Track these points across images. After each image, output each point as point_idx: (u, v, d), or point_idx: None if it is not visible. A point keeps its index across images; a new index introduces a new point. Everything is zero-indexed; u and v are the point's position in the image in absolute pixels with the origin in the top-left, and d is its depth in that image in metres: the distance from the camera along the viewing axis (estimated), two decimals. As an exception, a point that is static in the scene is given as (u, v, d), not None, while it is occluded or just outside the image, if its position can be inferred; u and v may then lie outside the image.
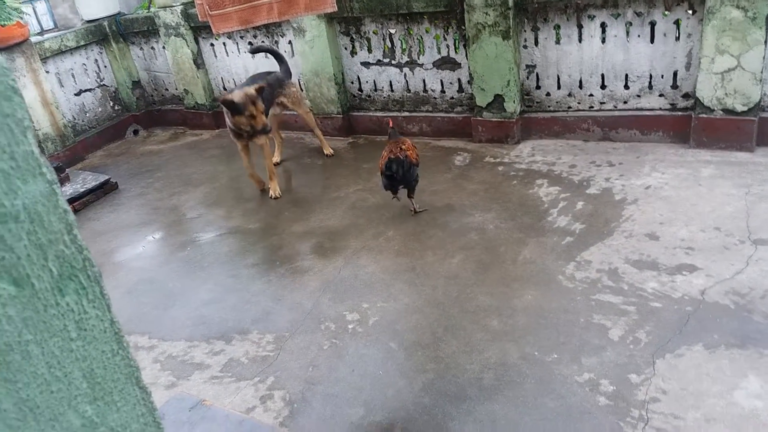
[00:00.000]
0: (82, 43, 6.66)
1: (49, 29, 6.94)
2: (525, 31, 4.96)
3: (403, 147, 4.15)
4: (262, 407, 2.84)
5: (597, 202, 4.05)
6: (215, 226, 4.72)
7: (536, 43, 4.96)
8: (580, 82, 4.91)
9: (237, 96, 4.46)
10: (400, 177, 4.07)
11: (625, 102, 4.79)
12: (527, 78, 5.13)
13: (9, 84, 0.63)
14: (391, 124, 4.49)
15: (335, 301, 3.53)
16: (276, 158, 5.54)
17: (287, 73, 5.48)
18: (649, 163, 4.42)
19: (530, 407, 2.59)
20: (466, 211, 4.26)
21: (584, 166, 4.58)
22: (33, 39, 6.29)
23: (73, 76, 6.66)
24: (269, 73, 5.38)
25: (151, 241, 4.67)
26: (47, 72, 6.24)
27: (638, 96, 4.73)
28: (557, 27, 4.83)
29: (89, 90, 6.85)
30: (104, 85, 7.02)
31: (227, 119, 4.68)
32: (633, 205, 3.93)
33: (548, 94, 5.10)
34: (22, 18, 6.05)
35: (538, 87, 5.12)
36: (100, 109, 6.98)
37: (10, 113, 0.63)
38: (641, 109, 4.74)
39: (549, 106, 5.14)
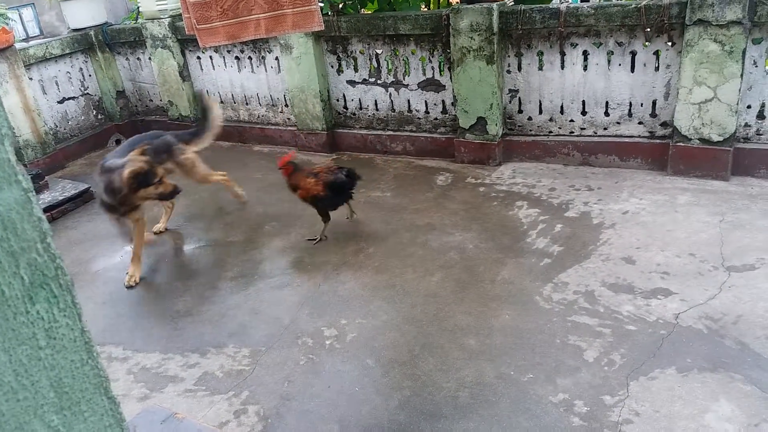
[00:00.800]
0: (67, 51, 6.63)
1: (35, 36, 6.92)
2: (509, 56, 5.04)
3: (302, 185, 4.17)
4: (236, 422, 2.82)
5: (575, 225, 4.11)
6: (195, 238, 4.70)
7: (519, 68, 5.04)
8: (562, 107, 4.99)
9: (138, 167, 3.78)
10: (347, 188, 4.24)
11: (605, 128, 4.88)
12: (510, 102, 5.21)
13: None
14: (292, 155, 4.27)
15: (313, 316, 3.52)
16: (161, 226, 4.83)
17: (186, 135, 4.73)
18: (627, 189, 4.50)
19: (505, 426, 2.60)
20: (446, 231, 4.29)
21: (564, 189, 4.64)
22: (18, 45, 6.26)
23: (56, 83, 6.61)
24: (157, 135, 4.59)
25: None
26: (30, 79, 6.19)
27: (618, 123, 4.82)
28: (540, 53, 4.93)
29: (72, 98, 6.81)
30: (88, 93, 6.99)
31: (101, 195, 3.95)
32: (610, 229, 3.99)
33: (530, 119, 5.17)
34: (7, 24, 6.03)
35: (520, 111, 5.20)
36: (82, 118, 6.93)
37: (-14, 120, 0.64)
38: (620, 136, 4.83)
39: (530, 130, 5.21)
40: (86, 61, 6.92)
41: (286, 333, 3.40)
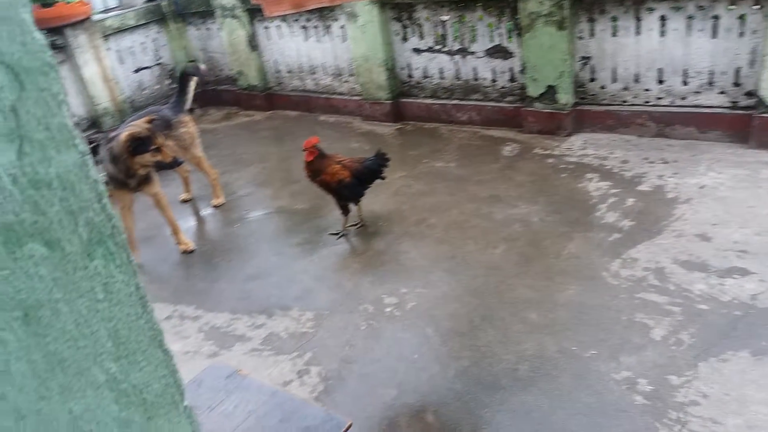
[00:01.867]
0: (142, 21, 6.85)
1: (113, 7, 7.15)
2: (581, 22, 4.83)
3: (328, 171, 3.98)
4: (299, 381, 2.91)
5: (648, 200, 3.94)
6: (263, 205, 4.82)
7: (592, 34, 4.82)
8: (637, 76, 4.75)
9: (136, 131, 3.76)
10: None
11: (683, 98, 4.62)
12: (581, 70, 5.00)
13: (46, 60, 0.66)
14: (315, 142, 4.01)
15: (375, 284, 3.56)
16: (184, 195, 4.94)
17: (177, 107, 4.70)
18: (706, 162, 4.26)
19: (565, 401, 2.57)
20: (511, 203, 4.21)
21: (637, 162, 4.45)
22: (96, 17, 6.52)
23: (132, 53, 6.87)
24: (157, 110, 4.60)
25: (202, 216, 4.80)
26: (108, 49, 6.45)
27: (697, 92, 4.55)
28: (614, 19, 4.69)
29: (147, 68, 7.06)
30: (162, 63, 7.22)
31: (108, 168, 3.88)
32: (685, 205, 3.80)
33: (603, 87, 4.96)
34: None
35: (592, 79, 4.99)
36: (156, 87, 7.18)
37: (46, 87, 0.66)
38: (700, 106, 4.56)
39: (603, 99, 5.00)
40: (159, 32, 7.13)
41: (348, 299, 3.46)
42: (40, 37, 0.66)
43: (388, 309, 3.33)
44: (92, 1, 7.03)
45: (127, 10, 6.83)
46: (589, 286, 3.24)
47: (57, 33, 5.94)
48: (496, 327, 3.06)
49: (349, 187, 3.99)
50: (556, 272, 3.41)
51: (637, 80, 4.79)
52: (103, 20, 6.45)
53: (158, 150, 3.79)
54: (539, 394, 2.62)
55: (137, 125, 3.83)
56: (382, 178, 4.11)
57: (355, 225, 4.22)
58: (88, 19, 6.09)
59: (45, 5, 5.74)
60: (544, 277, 3.38)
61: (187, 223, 4.67)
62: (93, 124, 6.41)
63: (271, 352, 3.14)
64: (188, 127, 4.63)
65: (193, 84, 4.85)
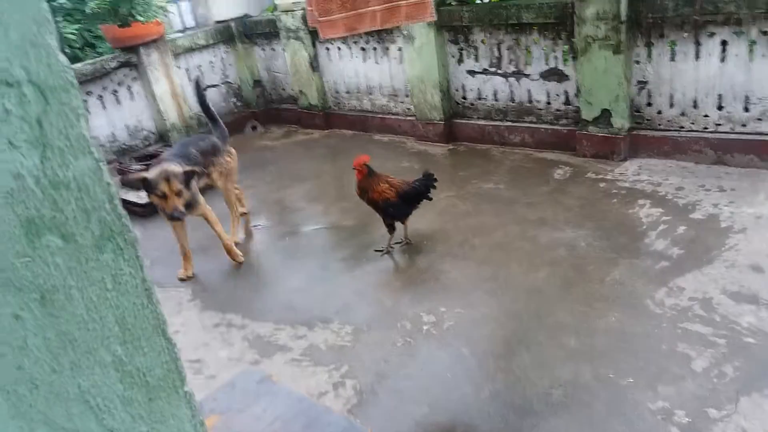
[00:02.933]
0: (211, 41, 7.22)
1: (191, 27, 7.58)
2: (638, 45, 4.76)
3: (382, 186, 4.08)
4: (334, 393, 2.97)
5: (700, 228, 3.82)
6: (314, 220, 4.96)
7: (649, 58, 4.75)
8: (695, 101, 4.63)
9: (151, 174, 3.82)
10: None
11: (744, 125, 4.46)
12: (638, 94, 4.92)
13: (68, 78, 0.77)
14: (366, 161, 4.13)
15: (414, 301, 3.60)
16: (234, 238, 4.69)
17: (223, 137, 4.74)
18: (765, 192, 4.10)
19: (597, 428, 2.53)
20: (558, 226, 4.17)
21: (692, 189, 4.32)
22: (172, 36, 6.92)
23: (201, 72, 7.23)
24: (203, 137, 4.66)
25: (255, 229, 4.98)
26: (178, 67, 6.83)
27: (759, 119, 4.39)
28: (673, 43, 4.60)
29: (214, 86, 7.41)
30: (228, 82, 7.56)
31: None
32: (740, 234, 3.67)
33: (659, 112, 4.86)
34: (166, 16, 6.69)
35: (649, 104, 4.90)
36: (223, 104, 7.52)
37: (67, 102, 0.77)
38: (762, 134, 4.40)
39: (660, 125, 4.89)
40: (227, 51, 7.48)
41: (387, 315, 3.51)
42: (63, 60, 0.77)
43: (426, 327, 3.36)
44: (172, 21, 7.48)
45: (197, 31, 7.21)
46: (631, 314, 3.17)
47: (132, 51, 6.34)
48: (532, 351, 3.04)
49: (394, 206, 4.07)
50: (598, 298, 3.35)
51: (695, 106, 4.67)
52: (174, 39, 6.84)
53: (163, 197, 3.81)
54: (571, 421, 2.58)
55: (166, 167, 3.84)
56: (429, 199, 4.16)
57: (400, 243, 4.27)
58: (161, 38, 6.47)
59: (122, 25, 6.15)
60: (586, 302, 3.33)
61: (239, 236, 4.85)
62: (161, 137, 6.77)
63: (309, 363, 3.22)
64: (232, 158, 4.75)
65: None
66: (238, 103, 7.73)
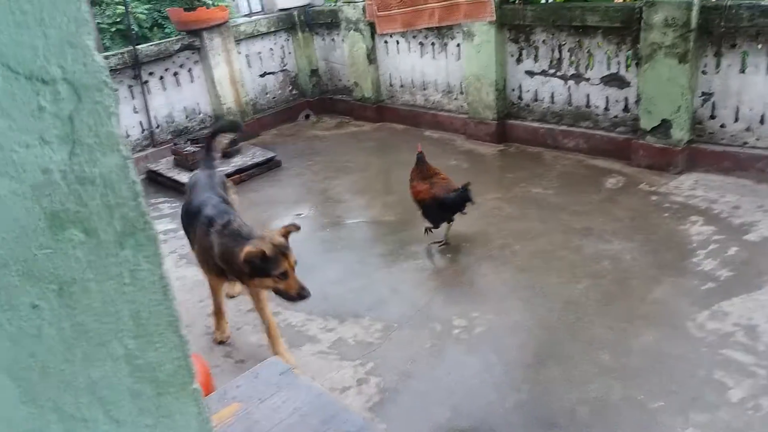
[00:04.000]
0: (273, 29, 7.33)
1: (257, 11, 7.71)
2: (706, 55, 4.57)
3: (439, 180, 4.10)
4: (357, 389, 3.00)
5: (754, 251, 3.66)
6: (356, 213, 4.99)
7: (717, 69, 4.55)
8: (763, 117, 4.42)
9: (266, 247, 2.83)
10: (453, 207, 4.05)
11: (814, 145, 4.24)
12: (701, 106, 4.73)
13: (102, 79, 0.79)
14: (419, 149, 4.27)
15: (447, 303, 3.59)
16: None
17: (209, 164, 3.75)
18: (830, 218, 3.89)
19: (620, 451, 2.47)
20: (604, 237, 4.07)
21: (749, 208, 4.14)
22: (236, 20, 7.06)
23: (260, 58, 7.35)
24: (211, 173, 3.64)
25: (298, 217, 5.05)
26: (239, 53, 6.96)
27: (831, 140, 4.16)
28: (744, 54, 4.40)
29: (272, 73, 7.53)
30: (286, 69, 7.66)
31: (204, 246, 3.15)
32: (797, 261, 3.50)
33: (723, 126, 4.66)
34: (233, 0, 6.83)
35: (712, 117, 4.70)
36: (279, 92, 7.63)
37: (100, 101, 0.80)
38: (833, 156, 4.17)
39: (722, 139, 4.69)
40: (288, 39, 7.58)
41: (419, 315, 3.51)
42: (99, 60, 0.80)
43: (456, 331, 3.34)
44: (239, 4, 7.63)
45: (260, 17, 7.33)
46: (670, 335, 3.07)
47: (195, 35, 6.51)
48: (562, 364, 2.99)
49: (427, 208, 4.10)
50: (637, 315, 3.26)
51: (762, 122, 4.45)
52: (238, 25, 6.97)
53: (284, 275, 2.89)
54: (595, 439, 2.54)
55: (269, 237, 2.93)
56: (464, 213, 4.07)
57: (439, 243, 4.26)
58: (224, 23, 6.61)
59: (188, 9, 6.31)
60: (624, 319, 3.25)
61: (282, 223, 4.92)
62: (216, 120, 6.94)
63: (336, 356, 3.26)
64: (233, 190, 3.90)
65: (221, 143, 4.13)
66: (294, 92, 7.83)
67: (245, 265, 2.83)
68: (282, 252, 2.88)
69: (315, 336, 3.44)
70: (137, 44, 6.18)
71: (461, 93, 6.32)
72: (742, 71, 4.45)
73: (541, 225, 4.34)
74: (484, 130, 6.04)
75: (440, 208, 4.05)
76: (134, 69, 6.08)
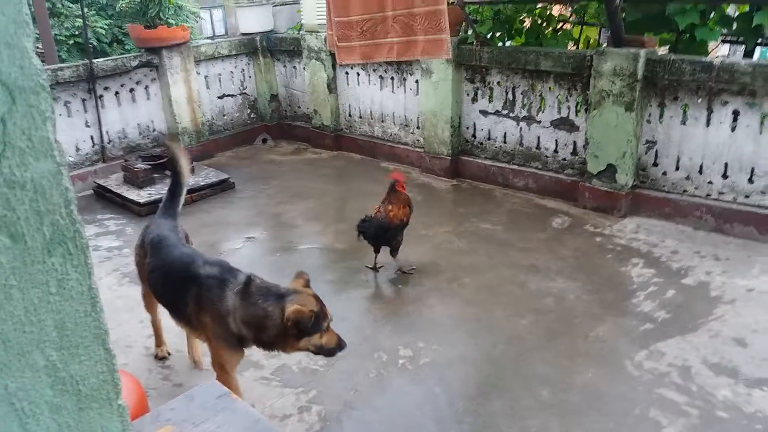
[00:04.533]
0: (234, 52, 7.33)
1: (221, 34, 7.72)
2: (650, 105, 4.80)
3: (390, 207, 4.12)
4: (298, 417, 2.95)
5: (690, 294, 3.80)
6: (308, 239, 4.96)
7: (660, 119, 4.78)
8: (701, 167, 4.65)
9: (311, 303, 2.52)
10: (371, 235, 4.12)
11: (747, 196, 4.47)
12: (645, 153, 4.94)
13: (40, 82, 0.78)
14: (394, 177, 4.28)
15: (394, 333, 3.58)
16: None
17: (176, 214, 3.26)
18: (760, 265, 4.08)
19: (556, 487, 2.48)
20: (549, 275, 4.16)
21: (687, 254, 4.31)
22: (198, 42, 7.04)
23: (220, 80, 7.33)
24: (173, 225, 3.09)
25: (249, 241, 4.99)
26: (198, 73, 6.92)
27: (762, 192, 4.40)
28: (685, 107, 4.63)
29: (231, 95, 7.50)
30: (245, 93, 7.65)
31: (215, 322, 2.60)
32: (728, 305, 3.64)
33: (664, 173, 4.87)
34: (196, 21, 6.81)
35: (655, 164, 4.91)
36: (237, 114, 7.60)
37: (35, 105, 0.78)
38: (764, 207, 4.40)
39: (663, 186, 4.90)
40: (249, 64, 7.59)
41: (365, 344, 3.50)
42: (37, 62, 0.79)
43: (402, 361, 3.33)
44: (203, 27, 7.61)
45: (221, 40, 7.33)
46: (609, 373, 3.14)
47: (154, 53, 6.45)
48: (504, 398, 3.01)
49: (401, 230, 4.18)
50: (579, 353, 3.32)
51: (700, 171, 4.68)
52: (198, 46, 6.95)
53: (327, 329, 2.60)
54: (532, 474, 2.55)
55: (306, 296, 2.56)
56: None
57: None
58: (185, 43, 6.58)
59: (148, 27, 6.26)
60: (566, 356, 3.31)
61: (233, 245, 4.86)
62: (166, 141, 6.86)
63: (279, 383, 3.20)
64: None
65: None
66: (252, 115, 7.81)
67: (293, 327, 2.43)
68: (322, 306, 2.56)
69: (259, 361, 3.37)
70: (95, 58, 6.08)
71: (418, 127, 6.43)
72: (683, 123, 4.68)
73: (489, 260, 4.40)
74: (439, 165, 6.14)
75: (357, 229, 4.16)
76: (89, 82, 5.96)
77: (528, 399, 3.00)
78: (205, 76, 7.15)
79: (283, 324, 2.43)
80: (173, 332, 3.64)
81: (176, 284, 2.72)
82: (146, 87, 6.57)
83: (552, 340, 3.47)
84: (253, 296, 2.53)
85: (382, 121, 6.81)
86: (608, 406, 2.91)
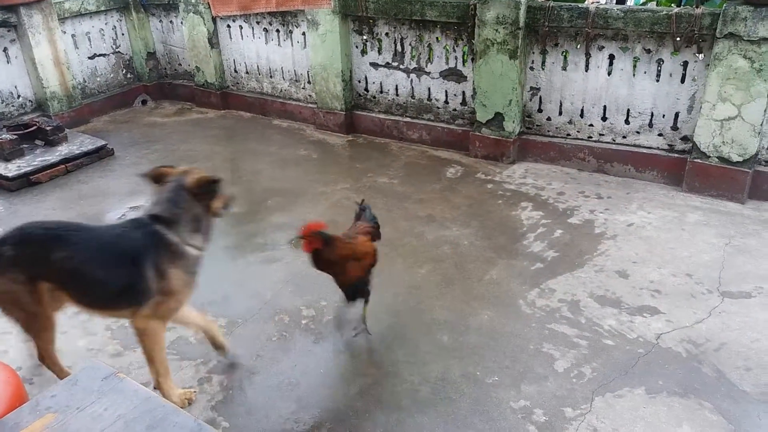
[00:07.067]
0: (103, 8, 6.72)
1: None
2: (533, 53, 4.92)
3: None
4: (199, 389, 2.84)
5: (576, 233, 4.00)
6: (199, 204, 4.73)
7: (543, 66, 4.92)
8: (582, 110, 4.86)
9: (198, 171, 2.72)
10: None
11: (624, 137, 4.73)
12: (530, 100, 5.09)
13: None
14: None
15: (295, 294, 3.52)
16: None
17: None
18: (638, 201, 4.36)
19: (459, 426, 2.57)
20: (445, 224, 4.23)
21: (572, 195, 4.53)
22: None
23: (89, 39, 6.72)
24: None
25: (133, 210, 4.69)
26: (63, 32, 6.31)
27: (637, 132, 4.67)
28: (565, 53, 4.79)
29: (103, 55, 6.92)
30: (119, 52, 7.08)
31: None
32: (611, 241, 3.88)
33: (549, 119, 5.05)
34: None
35: (540, 110, 5.08)
36: (111, 75, 7.04)
37: None
38: (639, 146, 4.68)
39: (548, 131, 5.09)
40: (120, 20, 7.01)
41: (266, 308, 3.41)
42: None
43: (304, 321, 3.29)
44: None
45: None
46: (504, 313, 3.26)
47: (11, 11, 5.79)
48: (406, 347, 3.06)
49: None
50: (474, 296, 3.42)
51: (582, 115, 4.89)
52: (61, 2, 6.30)
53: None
54: (436, 417, 2.61)
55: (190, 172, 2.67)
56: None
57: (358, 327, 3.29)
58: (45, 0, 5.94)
59: (-2, -20, 5.59)
60: (462, 300, 3.40)
61: (114, 216, 4.55)
62: (39, 107, 6.25)
63: (176, 356, 3.06)
64: None
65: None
66: (129, 76, 7.26)
67: (205, 187, 2.64)
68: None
69: (150, 336, 3.20)
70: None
71: (309, 82, 6.25)
72: (564, 69, 4.85)
73: (387, 214, 4.41)
74: (333, 121, 6.03)
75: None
76: (-70, 44, 5.27)
77: (428, 345, 3.06)
78: (72, 35, 6.53)
79: (198, 194, 2.58)
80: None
81: (117, 262, 2.47)
82: (5, 49, 5.91)
83: (449, 286, 3.54)
84: (168, 211, 2.56)
85: (271, 77, 6.55)
86: (504, 345, 3.03)
